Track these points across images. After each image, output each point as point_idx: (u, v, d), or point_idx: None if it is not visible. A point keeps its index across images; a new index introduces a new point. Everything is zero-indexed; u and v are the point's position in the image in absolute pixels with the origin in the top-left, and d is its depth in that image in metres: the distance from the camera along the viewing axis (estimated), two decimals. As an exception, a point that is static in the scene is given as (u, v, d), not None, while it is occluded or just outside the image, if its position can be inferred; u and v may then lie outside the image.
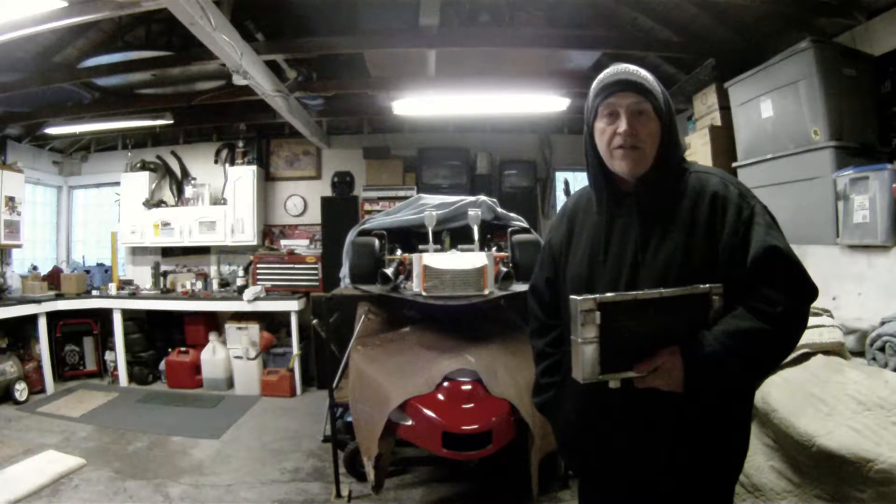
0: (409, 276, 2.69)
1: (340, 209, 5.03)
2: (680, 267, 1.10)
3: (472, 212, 2.80)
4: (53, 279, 5.05)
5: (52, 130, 4.77)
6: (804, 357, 2.02)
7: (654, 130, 1.14)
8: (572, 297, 1.05)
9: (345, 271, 3.08)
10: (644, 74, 1.16)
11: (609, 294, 1.05)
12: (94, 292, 5.07)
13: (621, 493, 1.22)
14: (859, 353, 2.16)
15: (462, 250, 2.78)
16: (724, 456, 1.17)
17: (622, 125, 1.13)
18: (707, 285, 1.07)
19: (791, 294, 1.06)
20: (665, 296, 1.05)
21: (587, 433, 1.23)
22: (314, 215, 5.38)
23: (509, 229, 2.99)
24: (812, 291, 1.09)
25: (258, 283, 4.95)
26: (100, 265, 5.64)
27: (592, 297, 1.03)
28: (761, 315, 1.05)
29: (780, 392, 1.92)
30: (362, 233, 3.03)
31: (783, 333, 1.07)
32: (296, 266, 5.02)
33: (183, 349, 4.96)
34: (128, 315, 5.04)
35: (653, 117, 1.14)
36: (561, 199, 4.96)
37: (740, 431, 1.20)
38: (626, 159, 1.14)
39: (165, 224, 5.17)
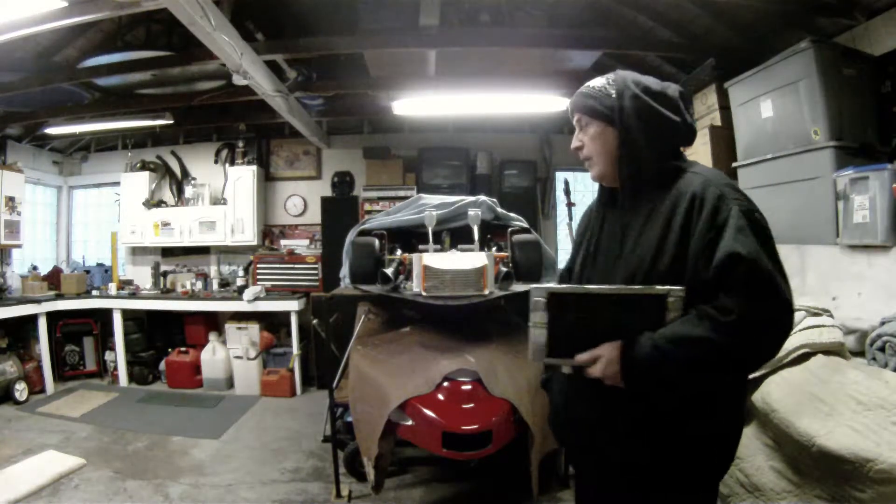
0: (409, 276, 2.68)
1: (340, 209, 5.03)
2: (649, 266, 1.14)
3: (472, 212, 2.79)
4: (53, 279, 5.05)
5: (52, 130, 4.77)
6: (804, 357, 2.02)
7: (606, 140, 1.23)
8: (531, 286, 1.16)
9: (345, 271, 3.08)
10: (589, 88, 1.25)
11: (562, 286, 1.15)
12: (94, 292, 5.06)
13: (601, 479, 1.30)
14: (859, 353, 2.16)
15: (462, 250, 2.78)
16: (681, 451, 1.13)
17: (573, 142, 1.30)
18: (665, 287, 1.08)
19: (748, 304, 1.01)
20: (616, 293, 1.12)
21: (566, 412, 1.32)
22: (314, 215, 5.38)
23: (509, 229, 2.99)
24: (779, 303, 1.02)
25: (258, 283, 4.95)
26: (100, 265, 5.64)
27: (545, 286, 1.13)
28: (711, 323, 1.02)
29: (780, 392, 1.92)
30: (362, 233, 3.03)
31: (732, 345, 1.02)
32: (296, 266, 5.02)
33: (183, 349, 4.96)
34: (128, 315, 5.04)
35: (602, 128, 1.23)
36: (561, 199, 4.95)
37: (701, 425, 1.13)
38: (588, 168, 1.30)
39: (165, 224, 5.17)
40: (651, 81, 1.23)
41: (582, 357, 1.12)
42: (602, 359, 1.10)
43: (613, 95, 1.20)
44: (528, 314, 1.14)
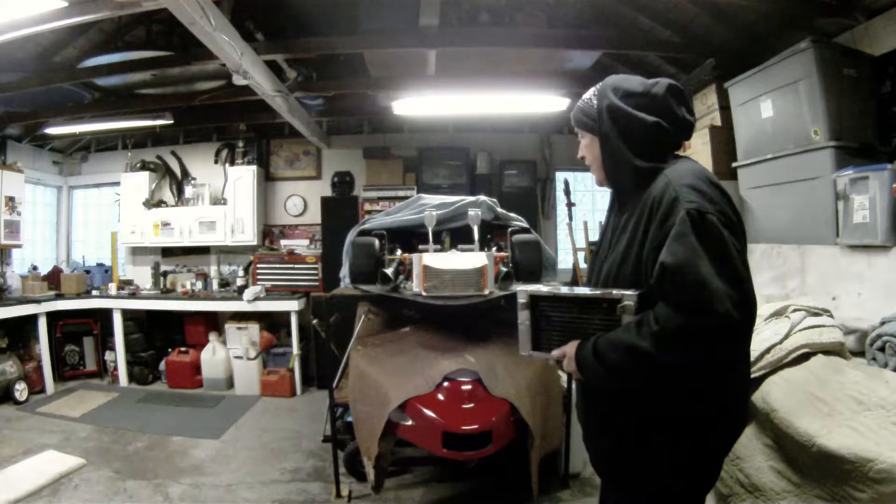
0: (409, 276, 2.68)
1: (340, 209, 5.02)
2: (617, 270, 1.22)
3: (472, 212, 2.79)
4: (53, 279, 5.05)
5: (52, 130, 4.77)
6: (804, 357, 2.01)
7: (594, 149, 1.31)
8: (517, 288, 1.34)
9: (345, 271, 3.08)
10: (581, 100, 1.32)
11: (541, 289, 1.31)
12: (94, 292, 5.06)
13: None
14: (859, 353, 2.16)
15: (462, 250, 2.78)
16: (644, 453, 1.18)
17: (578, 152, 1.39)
18: (619, 292, 1.16)
19: (672, 313, 1.02)
20: (580, 296, 1.25)
21: (578, 397, 1.44)
22: (314, 215, 5.38)
23: (509, 229, 2.99)
24: (704, 314, 0.99)
25: (258, 283, 4.95)
26: (100, 265, 5.64)
27: (527, 288, 1.32)
28: (646, 329, 1.05)
29: (780, 392, 1.92)
30: (362, 233, 3.03)
31: (657, 353, 1.03)
32: (296, 266, 5.02)
33: (183, 349, 4.96)
34: (128, 315, 5.04)
35: (591, 139, 1.31)
36: (561, 199, 4.95)
37: (663, 433, 1.15)
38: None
39: (165, 224, 5.17)
40: (634, 84, 1.23)
41: (555, 353, 1.26)
42: (566, 355, 1.21)
43: (594, 104, 1.27)
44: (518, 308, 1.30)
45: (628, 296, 1.13)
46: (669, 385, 1.12)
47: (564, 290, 1.30)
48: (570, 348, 1.21)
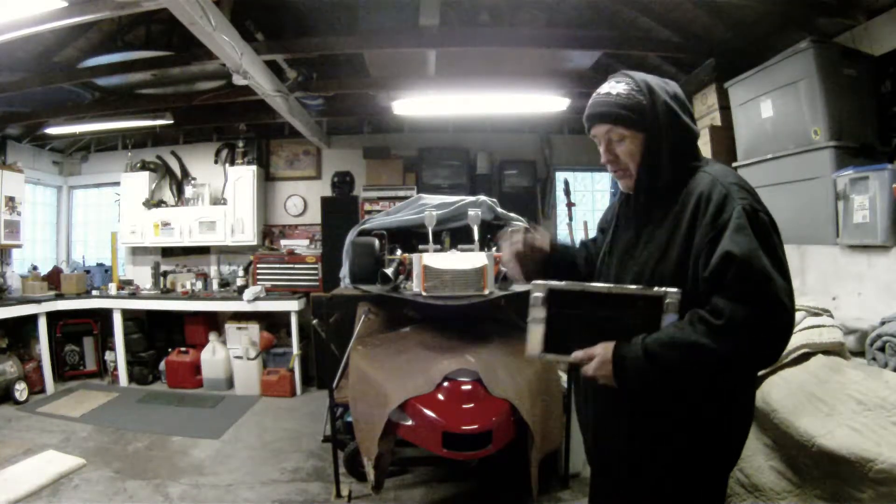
0: (409, 276, 2.68)
1: (340, 209, 5.02)
2: (655, 267, 1.14)
3: (472, 212, 2.79)
4: (53, 279, 5.05)
5: (52, 130, 4.77)
6: (804, 357, 2.02)
7: (633, 148, 1.18)
8: (532, 281, 1.15)
9: (345, 271, 3.08)
10: (615, 96, 1.18)
11: (560, 283, 1.13)
12: (94, 292, 5.06)
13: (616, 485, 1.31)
14: (859, 353, 2.16)
15: (462, 250, 2.78)
16: (668, 454, 1.15)
17: (602, 155, 1.24)
18: (662, 289, 1.08)
19: (739, 306, 0.99)
20: (613, 292, 1.12)
21: (579, 399, 1.39)
22: (314, 215, 5.38)
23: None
24: (770, 305, 0.99)
25: (258, 283, 4.95)
26: (100, 265, 5.64)
27: (544, 283, 1.13)
28: (704, 327, 1.01)
29: (780, 392, 1.92)
30: (362, 233, 3.03)
31: (724, 348, 1.00)
32: (296, 266, 5.02)
33: (183, 349, 4.96)
34: (128, 315, 5.04)
35: (629, 135, 1.18)
36: (561, 199, 4.96)
37: (683, 432, 1.14)
38: (619, 180, 1.27)
39: (165, 224, 5.17)
40: (673, 86, 1.22)
41: (577, 354, 1.12)
42: (596, 358, 1.10)
43: (644, 102, 1.16)
44: (527, 310, 1.14)
45: (672, 293, 1.06)
46: (725, 381, 1.11)
47: (592, 284, 1.16)
48: (602, 350, 1.10)
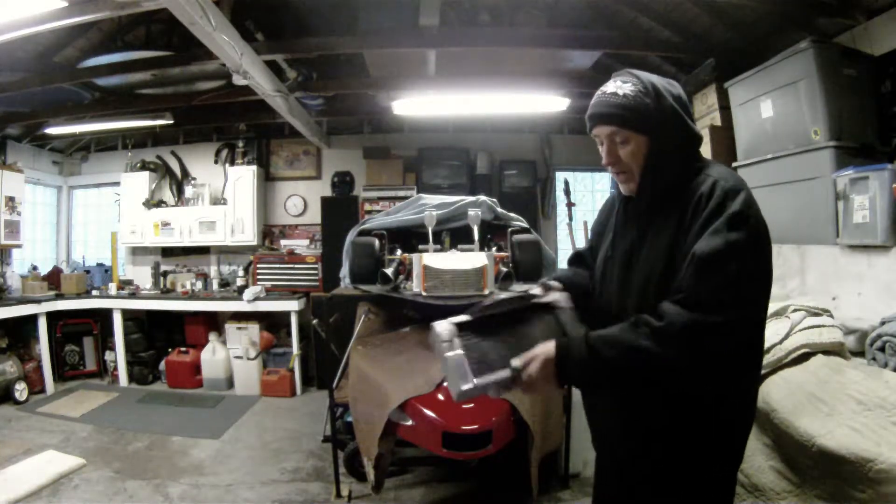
0: (409, 276, 2.69)
1: (340, 209, 5.02)
2: (662, 271, 1.11)
3: (472, 212, 2.79)
4: (53, 279, 5.05)
5: (52, 130, 4.77)
6: (804, 357, 2.02)
7: (637, 150, 1.15)
8: (432, 324, 1.11)
9: (345, 271, 3.08)
10: (621, 97, 1.14)
11: (461, 316, 1.14)
12: (94, 292, 5.06)
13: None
14: (859, 353, 2.16)
15: (462, 250, 2.78)
16: (672, 454, 1.15)
17: (603, 156, 1.21)
18: (537, 288, 1.15)
19: (682, 310, 0.97)
20: (511, 307, 1.16)
21: (586, 398, 1.39)
22: (314, 215, 5.38)
23: (509, 229, 2.99)
24: (713, 314, 0.96)
25: (258, 283, 4.95)
26: (100, 265, 5.63)
27: (447, 321, 1.11)
28: (646, 328, 1.00)
29: (779, 392, 1.92)
30: (362, 233, 3.03)
31: (660, 352, 0.98)
32: (296, 266, 5.02)
33: (183, 349, 4.96)
34: (128, 315, 5.04)
35: (633, 137, 1.15)
36: (561, 199, 4.95)
37: (660, 442, 1.14)
38: (620, 182, 1.24)
39: (165, 224, 5.17)
40: (677, 87, 1.20)
41: (515, 362, 1.09)
42: (537, 358, 1.08)
43: (650, 105, 1.12)
44: (438, 355, 1.10)
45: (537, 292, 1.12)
46: (696, 387, 1.09)
47: (488, 302, 1.17)
48: (544, 348, 1.08)
